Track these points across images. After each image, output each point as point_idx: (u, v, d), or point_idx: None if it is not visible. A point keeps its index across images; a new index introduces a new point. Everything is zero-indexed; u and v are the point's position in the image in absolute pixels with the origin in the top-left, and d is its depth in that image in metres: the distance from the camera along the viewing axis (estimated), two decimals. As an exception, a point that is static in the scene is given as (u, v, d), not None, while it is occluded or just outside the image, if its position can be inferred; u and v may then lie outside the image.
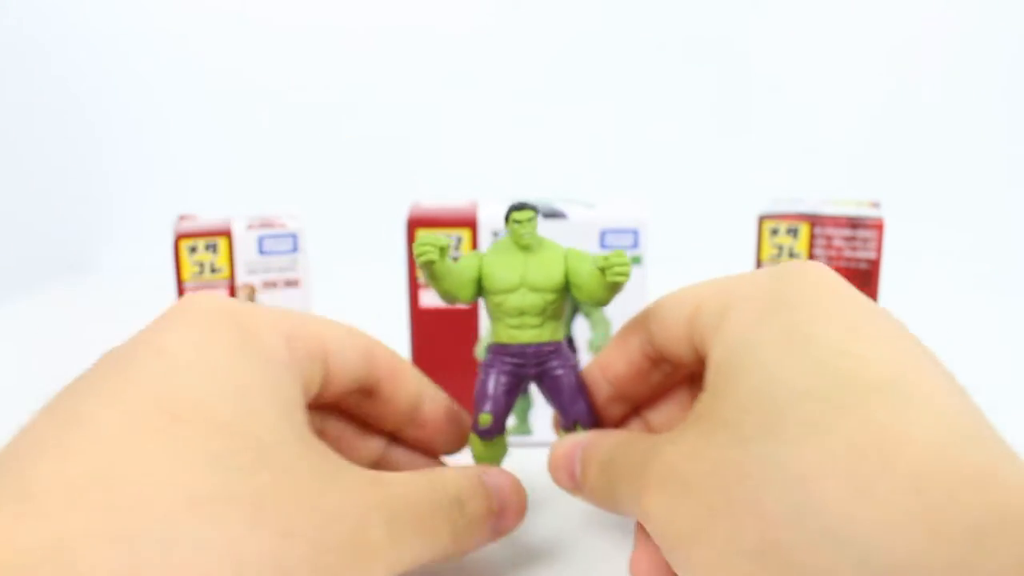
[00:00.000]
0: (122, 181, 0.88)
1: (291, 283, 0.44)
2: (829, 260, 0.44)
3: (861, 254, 0.44)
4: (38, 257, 0.86)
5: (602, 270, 0.31)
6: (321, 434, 0.33)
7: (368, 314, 0.44)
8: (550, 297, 0.33)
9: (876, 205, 0.46)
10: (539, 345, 0.33)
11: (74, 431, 0.23)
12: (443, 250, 0.31)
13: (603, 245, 0.42)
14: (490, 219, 0.42)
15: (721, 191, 0.83)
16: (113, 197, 0.88)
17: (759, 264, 0.44)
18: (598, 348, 0.43)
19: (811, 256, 0.44)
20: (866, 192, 0.62)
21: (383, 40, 0.85)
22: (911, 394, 0.24)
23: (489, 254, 0.33)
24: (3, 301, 0.73)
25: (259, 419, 0.25)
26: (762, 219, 0.45)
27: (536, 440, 0.44)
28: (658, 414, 0.36)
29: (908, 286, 0.67)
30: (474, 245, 0.42)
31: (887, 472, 0.22)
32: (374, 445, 0.35)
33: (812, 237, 0.44)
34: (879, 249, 0.43)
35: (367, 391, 0.33)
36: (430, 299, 0.43)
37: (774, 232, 0.45)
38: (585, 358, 0.44)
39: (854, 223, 0.43)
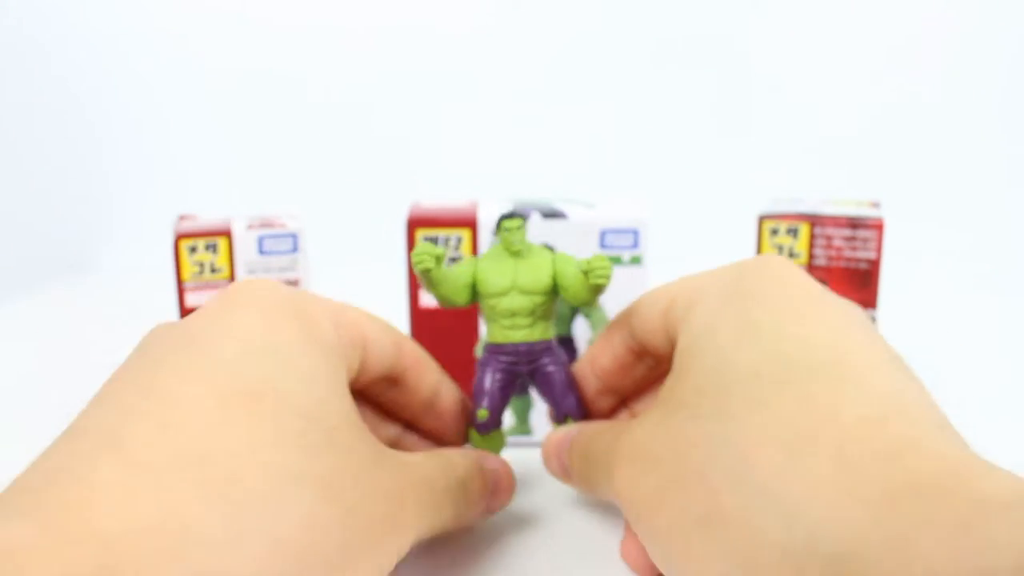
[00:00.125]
0: (122, 181, 0.88)
1: (291, 283, 0.44)
2: (829, 260, 0.44)
3: (861, 254, 0.44)
4: (38, 257, 0.86)
5: (585, 273, 0.33)
6: None
7: (368, 314, 0.44)
8: (539, 299, 0.35)
9: (876, 205, 0.46)
10: (531, 344, 0.36)
11: (170, 409, 0.24)
12: (439, 259, 0.33)
13: (603, 245, 0.42)
14: (490, 219, 0.42)
15: (721, 191, 0.83)
16: (113, 197, 0.88)
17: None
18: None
19: (811, 256, 0.44)
20: (866, 192, 0.62)
21: (383, 40, 0.85)
22: (846, 374, 0.26)
23: (482, 260, 0.36)
24: (3, 301, 0.73)
25: (324, 403, 0.27)
26: (762, 219, 0.45)
27: (536, 440, 0.44)
28: (643, 405, 0.38)
29: (908, 286, 0.67)
30: (474, 245, 0.42)
31: (814, 442, 0.24)
32: (392, 431, 0.37)
33: (812, 237, 0.44)
34: (879, 249, 0.43)
35: (393, 380, 0.35)
36: (430, 299, 0.43)
37: (774, 232, 0.45)
38: (585, 358, 0.44)
39: (854, 223, 0.43)
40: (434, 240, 0.42)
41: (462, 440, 0.38)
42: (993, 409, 0.49)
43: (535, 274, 0.35)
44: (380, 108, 0.86)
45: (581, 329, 0.44)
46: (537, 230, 0.42)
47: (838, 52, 0.84)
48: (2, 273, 0.82)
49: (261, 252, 0.44)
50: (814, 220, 0.44)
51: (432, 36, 0.85)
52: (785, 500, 0.23)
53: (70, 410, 0.50)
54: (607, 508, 0.38)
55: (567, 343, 0.44)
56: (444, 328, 0.43)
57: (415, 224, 0.42)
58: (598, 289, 0.34)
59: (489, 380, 0.36)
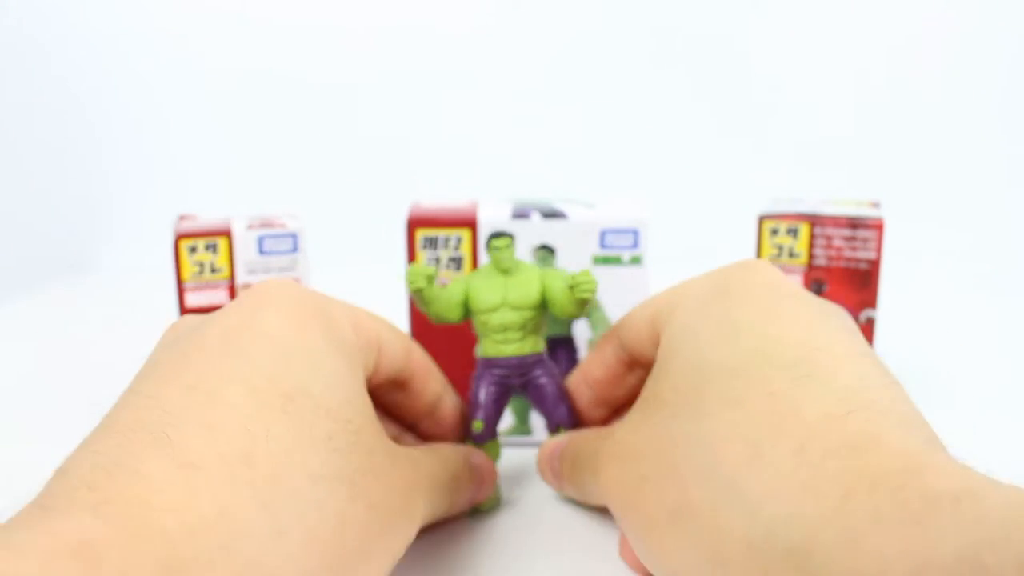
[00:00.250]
0: (122, 181, 0.88)
1: (291, 283, 0.44)
2: (829, 260, 0.44)
3: (861, 254, 0.44)
4: (38, 257, 0.86)
5: (571, 288, 0.35)
6: None
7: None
8: (529, 314, 0.36)
9: (876, 205, 0.46)
10: (522, 357, 0.37)
11: (212, 409, 0.25)
12: (430, 278, 0.35)
13: (603, 245, 0.42)
14: (490, 219, 0.42)
15: (721, 191, 0.83)
16: (113, 197, 0.88)
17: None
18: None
19: (811, 256, 0.44)
20: (866, 192, 0.62)
21: (383, 40, 0.85)
22: (815, 371, 0.26)
23: (473, 278, 0.37)
24: (3, 301, 0.73)
25: (349, 404, 0.29)
26: (762, 219, 0.45)
27: (536, 440, 0.44)
28: None
29: (908, 286, 0.67)
30: (474, 245, 0.42)
31: (777, 438, 0.24)
32: (391, 430, 0.38)
33: (812, 237, 0.44)
34: (879, 249, 0.43)
35: (400, 384, 0.36)
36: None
37: (774, 232, 0.45)
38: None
39: (854, 223, 0.43)
40: (434, 240, 0.42)
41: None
42: (993, 409, 0.49)
43: (524, 289, 0.36)
44: (380, 108, 0.86)
45: (581, 329, 0.44)
46: (537, 230, 0.42)
47: (838, 52, 0.84)
48: (2, 273, 0.82)
49: (261, 252, 0.44)
50: (814, 220, 0.44)
51: (432, 36, 0.85)
52: (748, 495, 0.24)
53: (70, 410, 0.50)
54: (605, 508, 0.38)
55: (567, 343, 0.44)
56: (444, 328, 0.43)
57: (415, 224, 0.42)
58: (583, 303, 0.35)
59: (483, 394, 0.38)
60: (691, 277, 0.34)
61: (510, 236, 0.37)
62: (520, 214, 0.42)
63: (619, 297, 0.42)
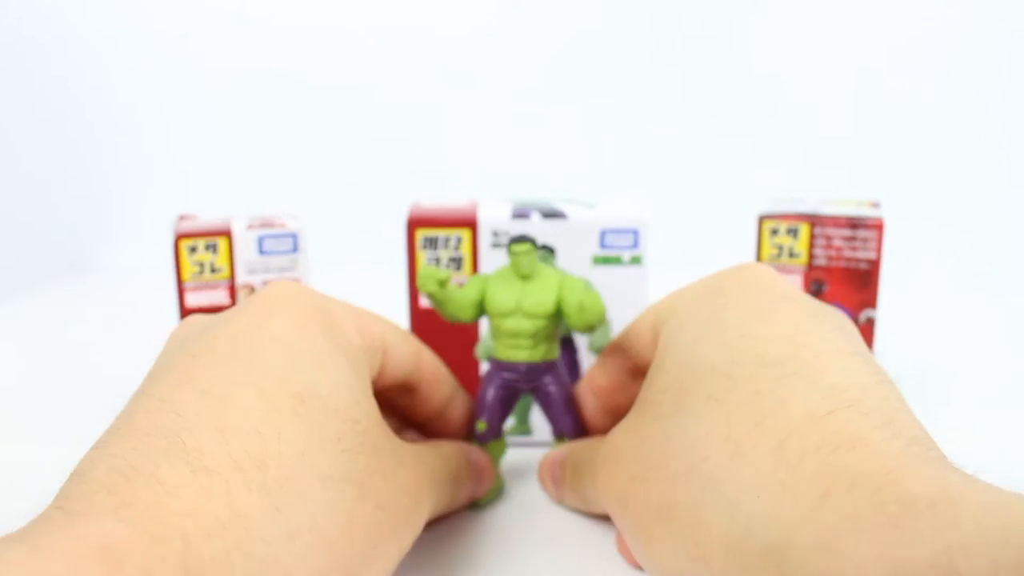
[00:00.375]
0: (122, 181, 0.88)
1: (291, 283, 0.44)
2: (829, 260, 0.44)
3: (861, 254, 0.44)
4: (38, 257, 0.86)
5: (579, 311, 0.35)
6: None
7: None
8: (542, 323, 0.36)
9: (876, 205, 0.46)
10: (532, 364, 0.37)
11: (225, 413, 0.26)
12: (442, 283, 0.35)
13: (603, 245, 0.42)
14: (490, 219, 0.42)
15: (721, 191, 0.83)
16: (113, 197, 0.88)
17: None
18: (599, 349, 0.43)
19: (811, 256, 0.44)
20: (866, 192, 0.62)
21: (383, 40, 0.85)
22: (800, 369, 0.26)
23: (492, 278, 0.37)
24: (3, 301, 0.73)
25: (356, 406, 0.29)
26: (762, 219, 0.45)
27: (536, 440, 0.44)
28: None
29: (908, 286, 0.67)
30: (474, 245, 0.42)
31: (759, 436, 0.24)
32: (392, 423, 0.38)
33: (812, 237, 0.44)
34: (879, 249, 0.43)
35: (408, 388, 0.36)
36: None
37: (774, 232, 0.45)
38: (586, 358, 0.44)
39: (854, 223, 0.43)
40: (434, 240, 0.42)
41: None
42: (993, 409, 0.49)
43: (540, 297, 0.36)
44: (380, 108, 0.86)
45: (581, 329, 0.44)
46: (537, 230, 0.42)
47: (838, 52, 0.84)
48: (2, 273, 0.82)
49: (261, 252, 0.44)
50: (814, 220, 0.44)
51: (432, 36, 0.85)
52: (728, 493, 0.24)
53: (70, 410, 0.50)
54: (607, 516, 0.39)
55: (567, 343, 0.44)
56: (444, 328, 0.43)
57: (415, 224, 0.42)
58: (591, 326, 0.36)
59: (490, 395, 0.38)
60: (692, 281, 0.34)
61: (531, 242, 0.36)
62: (520, 214, 0.42)
63: (619, 297, 0.42)
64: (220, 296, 0.44)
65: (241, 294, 0.44)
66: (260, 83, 0.86)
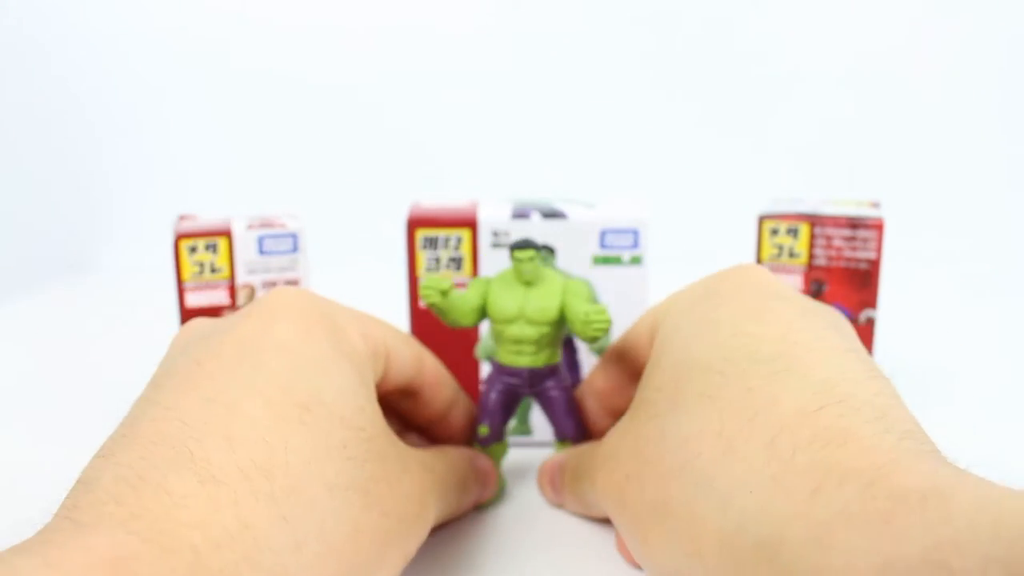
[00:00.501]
0: (122, 181, 0.88)
1: (291, 283, 0.44)
2: (829, 260, 0.44)
3: (861, 254, 0.44)
4: (38, 257, 0.86)
5: (584, 322, 0.34)
6: None
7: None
8: (545, 330, 0.36)
9: (876, 205, 0.46)
10: (534, 369, 0.37)
11: (231, 421, 0.26)
12: (444, 292, 0.35)
13: (603, 245, 0.42)
14: (490, 219, 0.42)
15: (721, 191, 0.83)
16: (113, 197, 0.88)
17: (759, 264, 0.44)
18: (600, 349, 0.43)
19: (811, 256, 0.44)
20: (866, 192, 0.62)
21: (384, 40, 0.85)
22: (792, 366, 0.26)
23: (494, 283, 0.36)
24: (3, 301, 0.73)
25: (361, 412, 0.29)
26: (762, 219, 0.45)
27: (536, 440, 0.44)
28: None
29: (908, 286, 0.67)
30: (474, 245, 0.42)
31: (749, 431, 0.25)
32: (394, 425, 0.38)
33: (812, 237, 0.44)
34: (879, 249, 0.43)
35: (411, 393, 0.36)
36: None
37: (774, 232, 0.45)
38: (585, 358, 0.44)
39: (854, 223, 0.43)
40: (434, 240, 0.42)
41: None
42: (993, 409, 0.49)
43: (543, 303, 0.35)
44: (380, 108, 0.86)
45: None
46: (537, 230, 0.42)
47: (838, 52, 0.84)
48: (2, 273, 0.82)
49: (261, 252, 0.44)
50: (814, 220, 0.44)
51: (433, 36, 0.85)
52: (721, 488, 0.24)
53: (70, 410, 0.50)
54: (607, 519, 0.39)
55: (567, 342, 0.44)
56: (444, 328, 0.43)
57: (415, 224, 0.42)
58: (594, 339, 0.35)
59: (492, 399, 0.38)
60: (691, 281, 0.34)
61: (534, 248, 0.35)
62: (520, 214, 0.42)
63: (619, 297, 0.42)
64: (220, 296, 0.44)
65: (241, 294, 0.44)
66: (260, 83, 0.86)
